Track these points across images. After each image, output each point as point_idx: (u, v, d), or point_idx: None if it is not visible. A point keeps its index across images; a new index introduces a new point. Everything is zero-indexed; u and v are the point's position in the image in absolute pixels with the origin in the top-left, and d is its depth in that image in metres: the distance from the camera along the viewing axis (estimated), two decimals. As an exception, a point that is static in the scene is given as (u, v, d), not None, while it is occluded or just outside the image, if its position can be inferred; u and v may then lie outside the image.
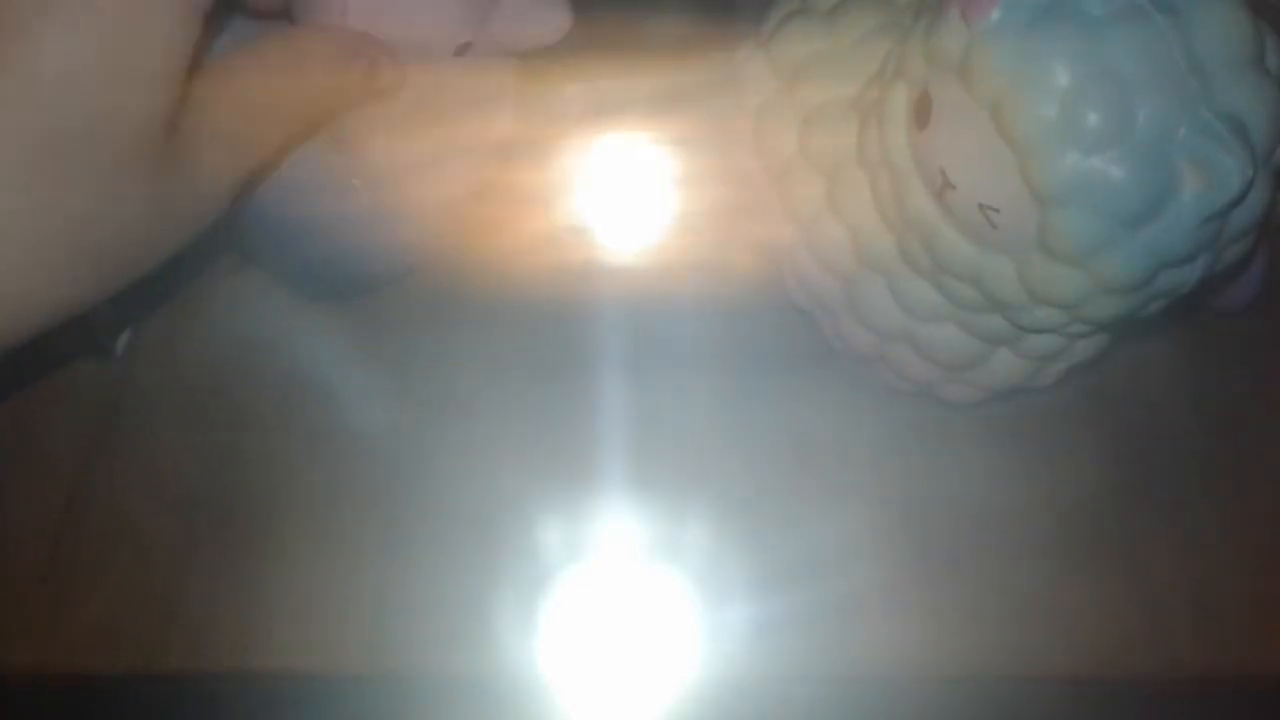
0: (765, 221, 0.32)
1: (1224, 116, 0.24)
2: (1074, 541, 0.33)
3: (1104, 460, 0.34)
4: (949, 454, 0.34)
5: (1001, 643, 0.31)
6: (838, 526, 0.33)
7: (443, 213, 0.32)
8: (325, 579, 0.32)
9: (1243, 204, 0.25)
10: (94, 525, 0.33)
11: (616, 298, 0.36)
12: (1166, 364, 0.35)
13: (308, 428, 0.34)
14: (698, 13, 0.38)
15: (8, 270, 0.21)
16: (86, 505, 0.33)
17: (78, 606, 0.32)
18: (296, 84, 0.25)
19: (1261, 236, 0.27)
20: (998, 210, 0.25)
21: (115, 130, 0.21)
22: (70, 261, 0.22)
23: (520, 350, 0.35)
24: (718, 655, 0.31)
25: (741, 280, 0.34)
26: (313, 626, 0.31)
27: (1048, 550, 0.32)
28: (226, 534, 0.33)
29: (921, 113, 0.26)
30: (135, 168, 0.22)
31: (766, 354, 0.35)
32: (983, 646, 0.31)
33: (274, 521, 0.33)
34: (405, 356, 0.35)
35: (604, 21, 0.38)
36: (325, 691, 0.31)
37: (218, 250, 0.37)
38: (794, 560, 0.32)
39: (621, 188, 0.38)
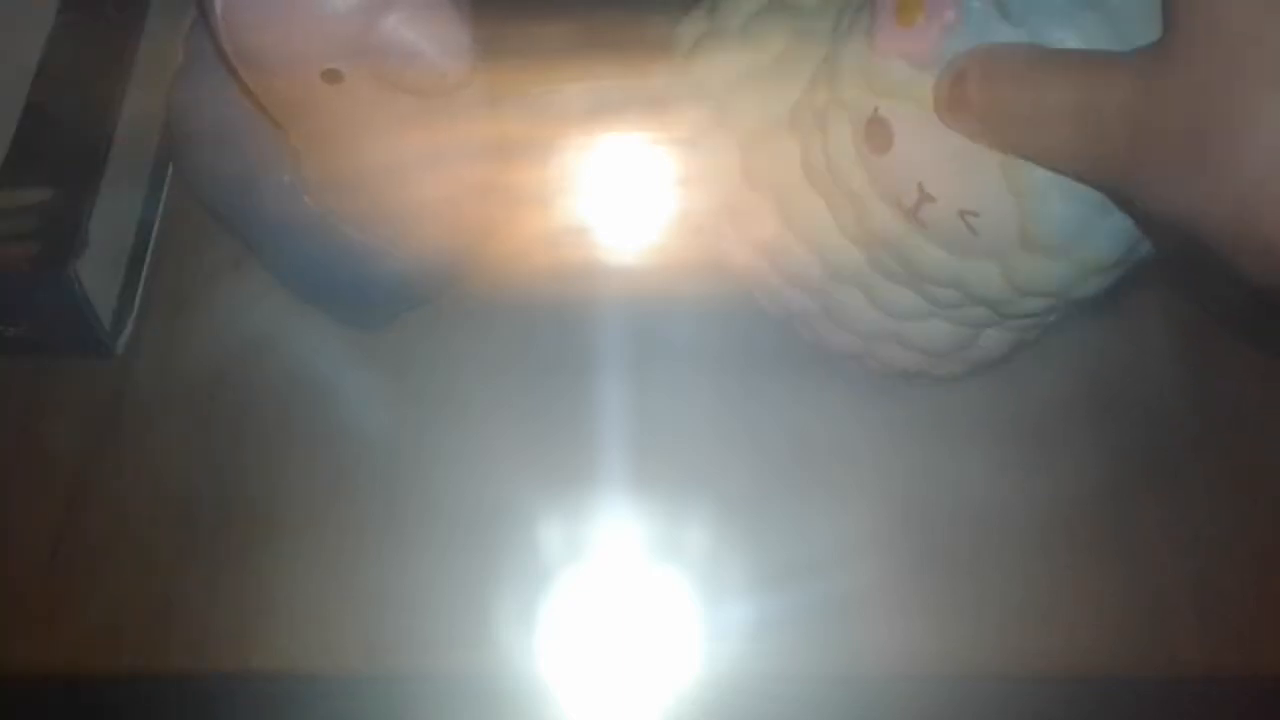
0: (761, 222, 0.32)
1: None
2: (1074, 541, 0.33)
3: (1104, 460, 0.34)
4: (949, 453, 0.34)
5: (1001, 643, 0.31)
6: (838, 526, 0.33)
7: (439, 220, 0.32)
8: (325, 579, 0.32)
9: None
10: (94, 525, 0.33)
11: (616, 298, 0.36)
12: (1166, 364, 0.36)
13: (308, 427, 0.34)
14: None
15: None
16: (86, 505, 0.33)
17: (78, 606, 0.32)
18: None
19: None
20: (978, 214, 0.26)
21: None
22: None
23: (520, 350, 0.35)
24: (718, 655, 0.31)
25: (741, 280, 0.34)
26: (313, 626, 0.31)
27: (1048, 550, 0.32)
28: (226, 534, 0.33)
29: (877, 136, 0.26)
30: None
31: (766, 354, 0.35)
32: (983, 646, 0.31)
33: (274, 521, 0.33)
34: (405, 356, 0.35)
35: (604, 21, 0.38)
36: (325, 691, 0.31)
37: (218, 249, 0.37)
38: (794, 560, 0.32)
39: (621, 188, 0.38)
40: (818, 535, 0.32)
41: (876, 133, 0.26)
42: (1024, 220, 0.25)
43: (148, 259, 0.37)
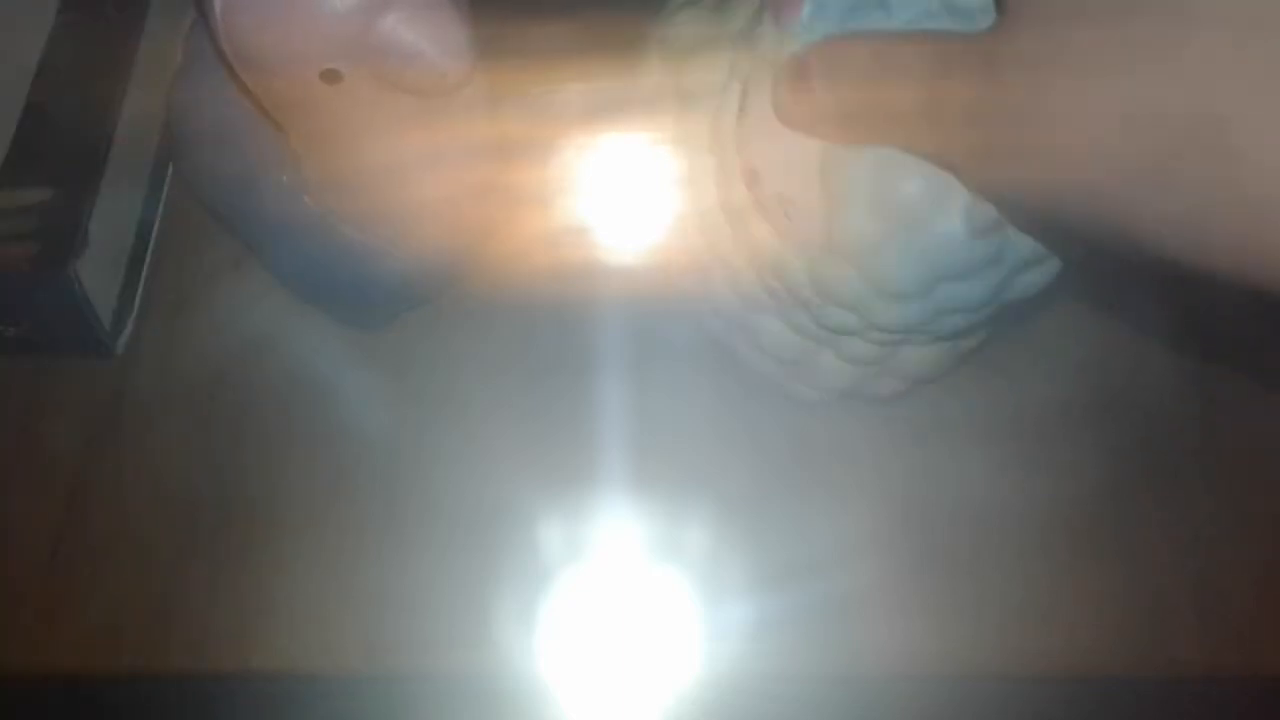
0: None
1: None
2: (1074, 541, 0.33)
3: (1104, 459, 0.34)
4: (949, 454, 0.34)
5: (1001, 643, 0.31)
6: (838, 526, 0.33)
7: (439, 220, 0.32)
8: (325, 579, 0.32)
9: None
10: (94, 525, 0.33)
11: (616, 298, 0.36)
12: (1167, 364, 0.35)
13: (308, 427, 0.34)
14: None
15: None
16: (86, 505, 0.33)
17: (78, 606, 0.32)
18: None
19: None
20: (793, 203, 0.26)
21: None
22: None
23: (520, 350, 0.35)
24: (718, 655, 0.31)
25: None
26: (313, 626, 0.31)
27: (1048, 550, 0.32)
28: (226, 534, 0.33)
29: (743, 104, 0.27)
30: None
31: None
32: (983, 646, 0.31)
33: (274, 521, 0.33)
34: (405, 356, 0.35)
35: (604, 22, 0.38)
36: (325, 691, 0.31)
37: (218, 249, 0.37)
38: (794, 560, 0.32)
39: (621, 188, 0.38)
40: (818, 535, 0.32)
41: (744, 101, 0.27)
42: (829, 221, 0.25)
43: (148, 259, 0.37)
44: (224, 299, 0.36)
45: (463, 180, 0.31)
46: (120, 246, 0.36)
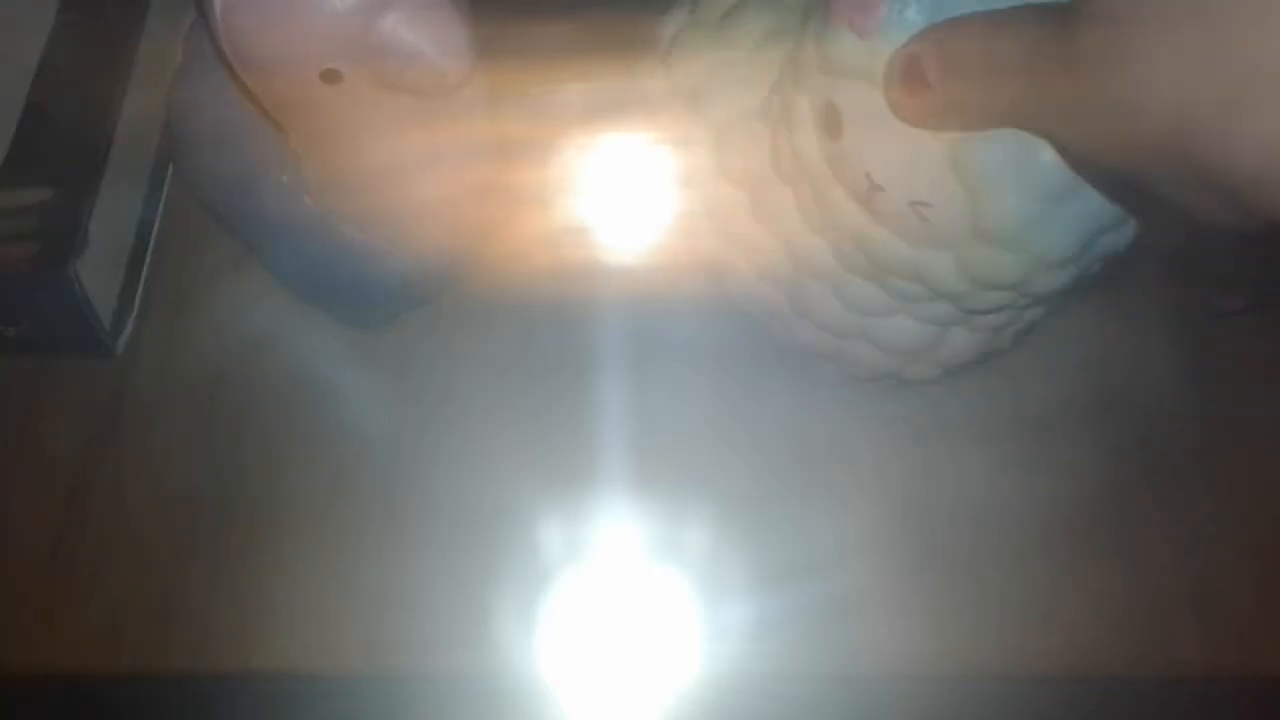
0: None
1: None
2: (1074, 541, 0.33)
3: (1104, 459, 0.34)
4: (949, 454, 0.34)
5: (1001, 643, 0.31)
6: (838, 526, 0.33)
7: (439, 220, 0.32)
8: (325, 579, 0.32)
9: None
10: (94, 525, 0.33)
11: (616, 298, 0.36)
12: (1166, 364, 0.35)
13: (308, 427, 0.34)
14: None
15: None
16: (86, 505, 0.33)
17: (78, 606, 0.32)
18: None
19: None
20: (929, 205, 0.26)
21: None
22: None
23: (520, 350, 0.35)
24: (718, 655, 0.31)
25: (717, 276, 0.34)
26: (313, 626, 0.31)
27: (1048, 550, 0.32)
28: (226, 534, 0.33)
29: (831, 123, 0.26)
30: None
31: (766, 354, 0.35)
32: (983, 646, 0.31)
33: (274, 521, 0.33)
34: (405, 356, 0.35)
35: (604, 21, 0.38)
36: (325, 691, 0.31)
37: (218, 249, 0.37)
38: (794, 560, 0.32)
39: (621, 188, 0.38)
40: (818, 535, 0.32)
41: (831, 119, 0.26)
42: (975, 212, 0.25)
43: (148, 259, 0.37)
44: (224, 299, 0.36)
45: (463, 180, 0.31)
46: (120, 246, 0.36)
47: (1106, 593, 0.32)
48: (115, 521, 0.33)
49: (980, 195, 0.25)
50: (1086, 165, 0.24)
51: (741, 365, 0.35)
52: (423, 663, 0.31)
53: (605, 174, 0.38)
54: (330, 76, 0.27)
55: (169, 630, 0.31)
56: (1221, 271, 0.34)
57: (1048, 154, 0.24)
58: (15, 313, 0.34)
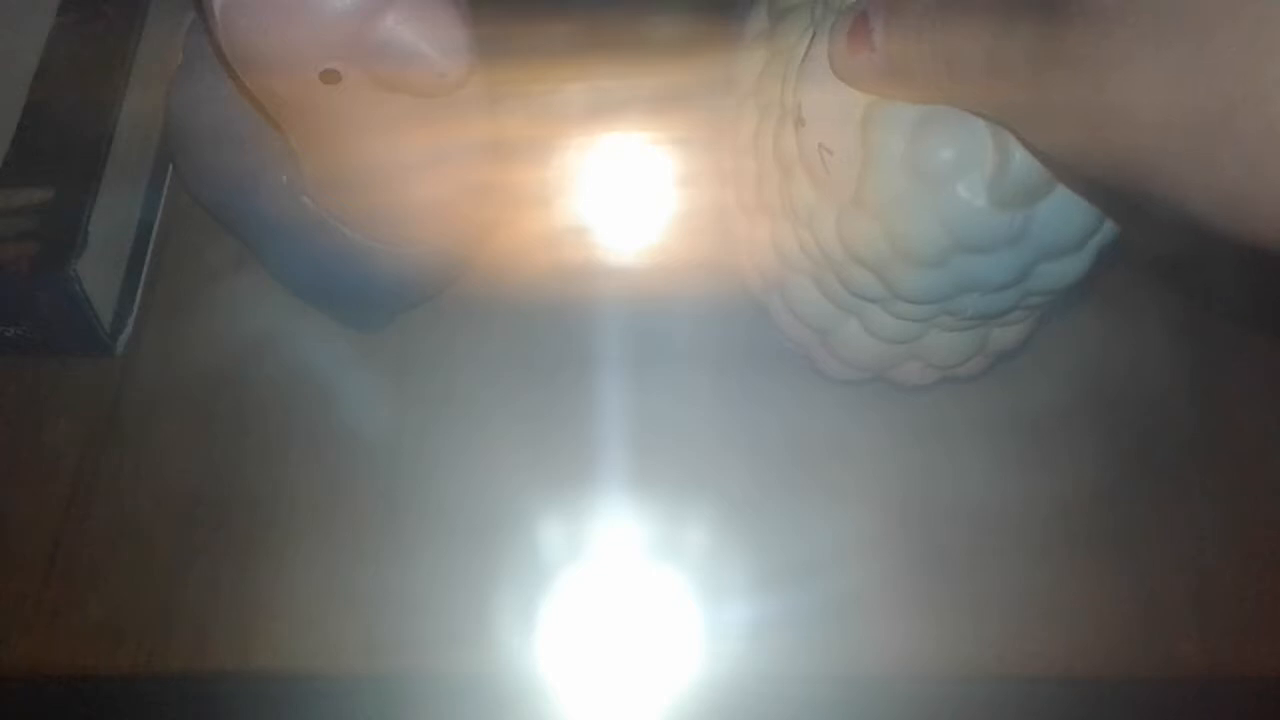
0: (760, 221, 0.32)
1: None
2: (1074, 541, 0.33)
3: (1104, 460, 0.34)
4: (948, 454, 0.34)
5: (1001, 643, 0.31)
6: (838, 526, 0.33)
7: (439, 220, 0.32)
8: (325, 579, 0.32)
9: (1054, 209, 0.25)
10: (94, 525, 0.33)
11: (616, 298, 0.36)
12: (1166, 364, 0.36)
13: (308, 427, 0.34)
14: (698, 12, 0.38)
15: None
16: (86, 505, 0.33)
17: (78, 606, 0.32)
18: None
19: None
20: (832, 152, 0.26)
21: None
22: None
23: (520, 350, 0.35)
24: (718, 655, 0.31)
25: (740, 280, 0.34)
26: (313, 626, 0.31)
27: (1048, 550, 0.32)
28: (226, 534, 0.33)
29: (800, 52, 0.27)
30: None
31: (766, 354, 0.35)
32: (983, 646, 0.31)
33: (274, 522, 0.33)
34: (405, 356, 0.35)
35: (604, 21, 0.38)
36: (325, 691, 0.31)
37: (218, 249, 0.37)
38: (794, 560, 0.32)
39: (621, 188, 0.38)
40: (818, 535, 0.32)
41: (809, 48, 0.27)
42: (862, 172, 0.26)
43: (148, 259, 0.37)
44: (224, 299, 0.36)
45: (463, 180, 0.31)
46: (120, 246, 0.36)
47: (1106, 593, 0.32)
48: (115, 521, 0.33)
49: (869, 157, 0.25)
50: (1045, 160, 0.24)
51: (741, 365, 0.35)
52: (423, 663, 0.31)
53: (605, 174, 0.38)
54: (330, 76, 0.27)
55: (169, 630, 0.31)
56: (1207, 273, 0.35)
57: (944, 148, 0.24)
58: (15, 313, 0.34)
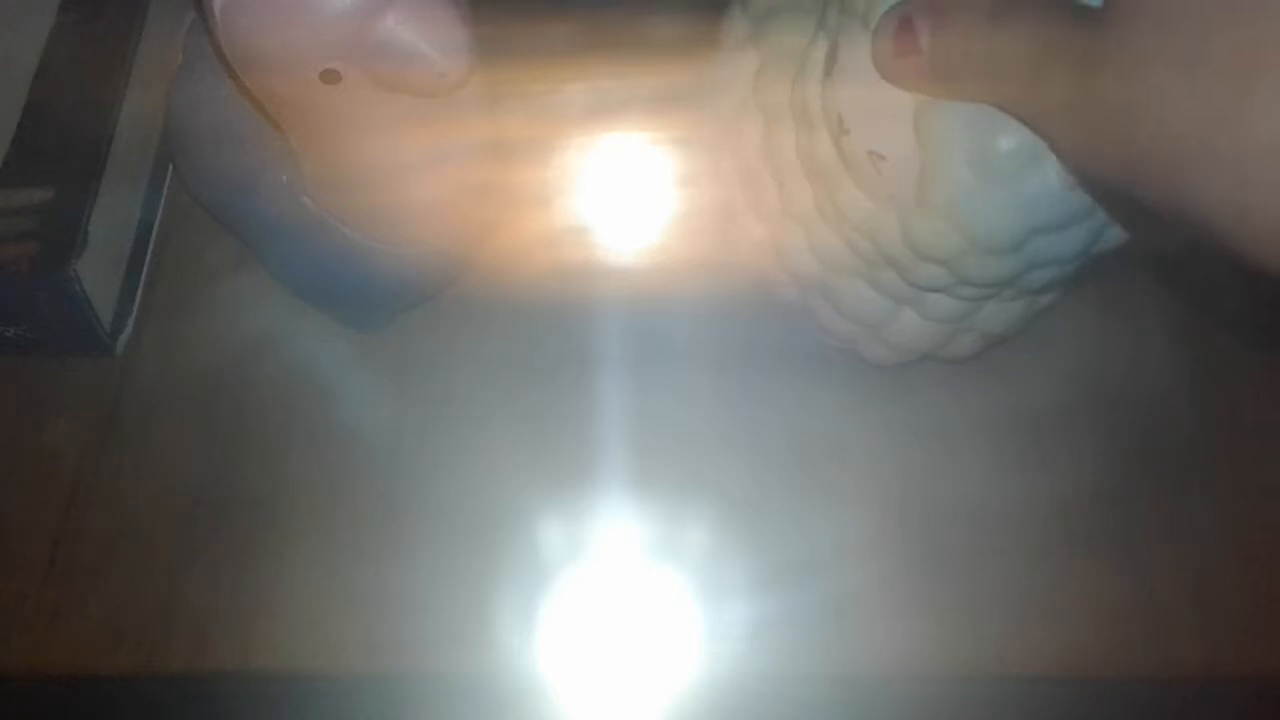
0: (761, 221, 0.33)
1: None
2: (1074, 541, 0.33)
3: (1104, 460, 0.34)
4: (948, 454, 0.34)
5: (1001, 643, 0.31)
6: (838, 526, 0.33)
7: (439, 220, 0.32)
8: (325, 579, 0.32)
9: None
10: (94, 525, 0.33)
11: (616, 298, 0.36)
12: (1166, 364, 0.35)
13: (308, 427, 0.34)
14: (697, 13, 0.38)
15: None
16: (86, 505, 0.33)
17: (78, 606, 0.32)
18: None
19: None
20: (884, 158, 0.26)
21: None
22: None
23: (520, 350, 0.35)
24: (718, 655, 0.31)
25: (741, 280, 0.34)
26: (313, 626, 0.31)
27: (1047, 550, 0.32)
28: (226, 534, 0.33)
29: (830, 61, 0.27)
30: None
31: (766, 354, 0.35)
32: (983, 646, 0.31)
33: (274, 522, 0.33)
34: (405, 356, 0.35)
35: (604, 21, 0.38)
36: (325, 691, 0.31)
37: (218, 249, 0.37)
38: (794, 560, 0.32)
39: (621, 188, 0.38)
40: (818, 535, 0.32)
41: (830, 57, 0.27)
42: (923, 175, 0.25)
43: (148, 259, 0.37)
44: (224, 299, 0.36)
45: (463, 180, 0.31)
46: (120, 246, 0.36)
47: (1106, 593, 0.32)
48: (115, 521, 0.33)
49: (930, 159, 0.25)
50: (1075, 163, 0.24)
51: (741, 365, 0.35)
52: (423, 663, 0.31)
53: (605, 174, 0.38)
54: (330, 76, 0.27)
55: (169, 630, 0.31)
56: (1216, 280, 0.35)
57: (1008, 138, 0.24)
58: (15, 313, 0.34)
